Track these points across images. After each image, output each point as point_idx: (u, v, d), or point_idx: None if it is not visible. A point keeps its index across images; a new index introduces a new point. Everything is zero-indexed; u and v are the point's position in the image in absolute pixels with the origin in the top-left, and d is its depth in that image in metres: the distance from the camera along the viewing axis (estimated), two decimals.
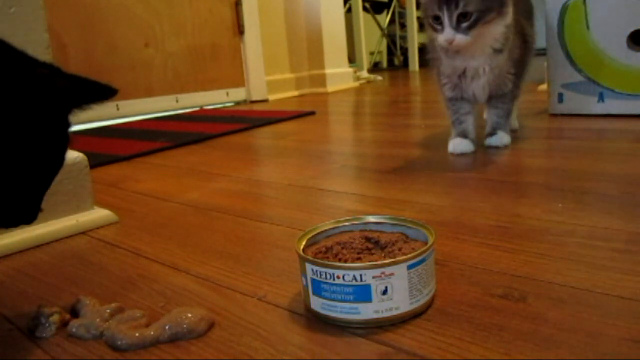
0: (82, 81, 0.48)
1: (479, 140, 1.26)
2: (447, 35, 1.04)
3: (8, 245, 0.79)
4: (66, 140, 0.50)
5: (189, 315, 0.52)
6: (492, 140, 1.25)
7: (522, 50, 1.20)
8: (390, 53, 5.60)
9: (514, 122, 1.42)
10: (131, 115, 2.31)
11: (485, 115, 1.36)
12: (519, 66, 1.21)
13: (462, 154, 1.21)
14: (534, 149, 1.23)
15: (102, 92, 0.50)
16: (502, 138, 1.24)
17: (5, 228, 0.47)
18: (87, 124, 2.10)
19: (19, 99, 0.44)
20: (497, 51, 1.12)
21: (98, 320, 0.53)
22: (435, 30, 1.07)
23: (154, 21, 2.43)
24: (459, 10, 1.02)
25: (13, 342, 0.53)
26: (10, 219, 0.48)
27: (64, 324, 0.55)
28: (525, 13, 1.27)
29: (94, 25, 2.19)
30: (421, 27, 4.24)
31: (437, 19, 1.05)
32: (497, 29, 1.08)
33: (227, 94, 2.77)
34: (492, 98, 1.23)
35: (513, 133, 1.31)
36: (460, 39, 1.04)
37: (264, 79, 2.90)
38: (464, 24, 1.03)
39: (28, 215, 0.49)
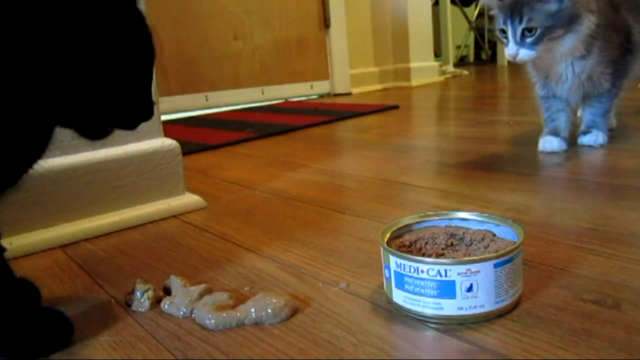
0: None
1: (572, 139, 1.20)
2: (510, 50, 1.04)
3: (108, 224, 0.84)
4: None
5: (274, 300, 0.54)
6: (586, 139, 1.19)
7: (623, 48, 1.13)
8: (478, 47, 5.44)
9: (612, 121, 1.34)
10: (219, 106, 2.39)
11: (579, 113, 1.29)
12: (618, 64, 1.14)
13: (552, 152, 1.16)
14: (633, 150, 1.16)
15: None
16: (597, 137, 1.18)
17: (132, 129, 0.48)
18: (178, 114, 2.20)
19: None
20: (581, 57, 1.08)
21: (189, 299, 0.56)
22: (502, 43, 1.08)
23: (243, 15, 2.49)
24: (524, 25, 1.01)
25: (112, 313, 0.57)
26: (137, 116, 0.49)
27: (158, 301, 0.58)
28: (635, 7, 1.18)
29: (187, 20, 2.28)
30: None
31: (504, 33, 1.05)
32: (571, 42, 1.04)
33: (312, 86, 2.80)
34: (588, 97, 1.17)
35: (610, 132, 1.23)
36: (524, 53, 1.03)
37: (348, 72, 2.91)
38: (529, 39, 1.02)
39: (149, 109, 0.49)
